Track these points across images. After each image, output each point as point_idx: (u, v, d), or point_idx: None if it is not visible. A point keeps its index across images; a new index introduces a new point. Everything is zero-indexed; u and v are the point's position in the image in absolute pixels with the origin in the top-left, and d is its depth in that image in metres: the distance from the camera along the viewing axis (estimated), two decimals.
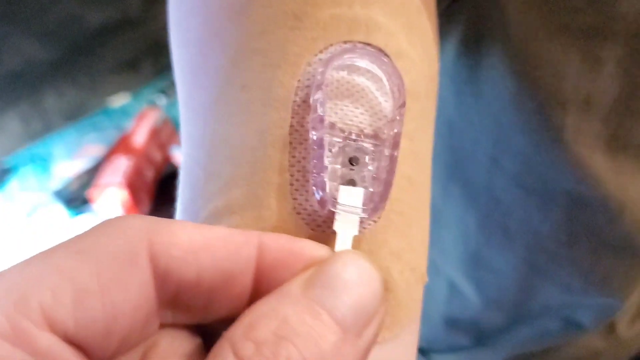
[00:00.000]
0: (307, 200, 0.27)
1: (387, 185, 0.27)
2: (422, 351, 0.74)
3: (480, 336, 0.67)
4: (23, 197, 1.55)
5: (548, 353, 0.68)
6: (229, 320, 0.23)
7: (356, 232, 0.26)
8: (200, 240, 0.23)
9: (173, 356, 0.24)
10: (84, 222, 1.53)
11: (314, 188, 0.27)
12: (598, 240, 0.52)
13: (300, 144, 0.28)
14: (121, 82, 1.71)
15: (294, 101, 0.28)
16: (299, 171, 0.27)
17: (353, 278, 0.22)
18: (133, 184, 1.51)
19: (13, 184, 1.57)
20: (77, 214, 1.54)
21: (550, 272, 0.56)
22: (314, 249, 0.24)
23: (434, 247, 0.58)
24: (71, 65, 1.59)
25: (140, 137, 1.60)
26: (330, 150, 0.27)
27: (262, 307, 0.21)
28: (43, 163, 1.60)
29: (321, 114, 0.27)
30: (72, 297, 0.20)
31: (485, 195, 0.52)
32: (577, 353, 0.69)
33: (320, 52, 0.29)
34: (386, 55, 0.29)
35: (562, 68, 0.42)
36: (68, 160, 1.61)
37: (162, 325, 0.24)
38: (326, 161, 0.27)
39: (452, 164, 0.53)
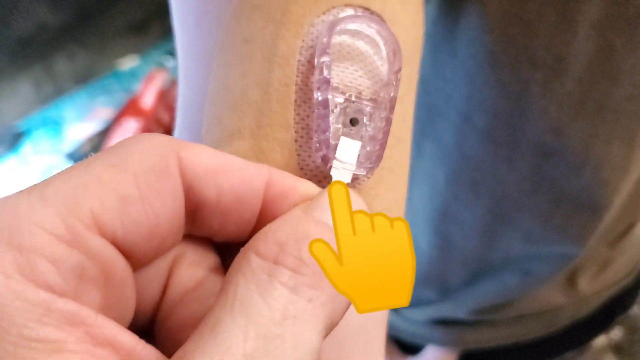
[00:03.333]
0: (310, 156, 0.29)
1: (383, 145, 0.29)
2: None
3: (446, 289, 0.69)
4: (37, 159, 1.57)
5: (510, 305, 0.71)
6: (237, 242, 0.25)
7: (349, 180, 0.28)
8: (220, 164, 0.24)
9: (200, 264, 0.26)
10: None
11: (317, 145, 0.28)
12: (559, 191, 0.55)
13: (305, 102, 0.29)
14: (130, 45, 1.72)
15: (299, 60, 0.29)
16: (302, 129, 0.29)
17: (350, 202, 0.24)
18: None
19: (27, 147, 1.58)
20: None
21: (513, 220, 0.59)
22: (312, 188, 0.26)
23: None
24: (81, 29, 1.59)
25: (148, 99, 1.62)
26: (332, 111, 0.29)
27: (273, 225, 0.23)
28: (55, 126, 1.61)
29: (327, 76, 0.28)
30: (118, 204, 0.21)
31: (455, 152, 0.54)
32: (538, 306, 0.71)
33: (323, 13, 0.30)
34: (383, 20, 0.31)
35: (536, 26, 0.44)
36: (79, 123, 1.63)
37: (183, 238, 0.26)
38: (330, 121, 0.28)
39: (426, 121, 0.54)
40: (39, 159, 1.57)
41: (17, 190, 0.21)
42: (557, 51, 0.45)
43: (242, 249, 0.23)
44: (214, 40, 0.33)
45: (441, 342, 0.78)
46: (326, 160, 0.28)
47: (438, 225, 0.62)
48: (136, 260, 0.23)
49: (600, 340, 0.84)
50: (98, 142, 1.59)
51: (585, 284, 0.70)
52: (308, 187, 0.26)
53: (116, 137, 1.56)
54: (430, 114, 0.54)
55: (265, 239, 0.22)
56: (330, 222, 0.23)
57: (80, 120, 1.63)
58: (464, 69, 0.49)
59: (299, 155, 0.29)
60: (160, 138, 0.24)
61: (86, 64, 1.65)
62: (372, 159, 0.29)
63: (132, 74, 1.71)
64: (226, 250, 0.27)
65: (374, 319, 0.31)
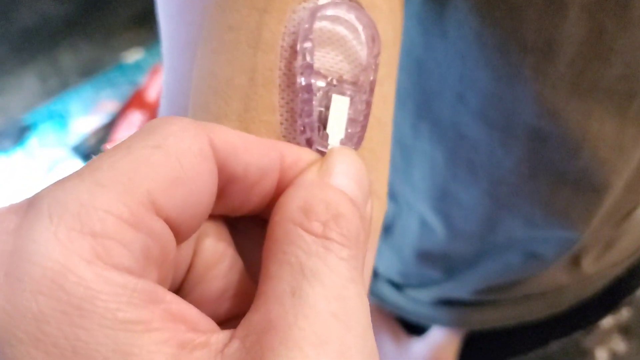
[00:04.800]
0: (294, 139, 0.30)
1: (363, 127, 0.30)
2: (397, 286, 0.78)
3: (450, 269, 0.70)
4: (43, 153, 1.58)
5: (514, 286, 0.71)
6: (253, 215, 0.27)
7: (342, 136, 0.30)
8: (243, 142, 0.26)
9: (220, 240, 0.28)
10: None
11: (302, 129, 0.29)
12: (557, 174, 0.55)
13: (288, 87, 0.30)
14: (134, 38, 1.72)
15: (282, 46, 0.30)
16: (287, 112, 0.30)
17: (352, 166, 0.27)
18: None
19: (33, 140, 1.59)
20: None
21: (513, 205, 0.59)
22: (315, 154, 0.28)
23: (406, 185, 0.61)
24: (85, 22, 1.60)
25: (153, 91, 1.62)
26: (315, 95, 0.30)
27: (298, 194, 0.25)
28: (61, 120, 1.62)
29: (310, 61, 0.29)
30: (168, 185, 0.22)
31: (452, 131, 0.55)
32: (542, 286, 0.72)
33: (304, 0, 0.31)
34: (361, 6, 0.31)
35: (523, 10, 0.44)
36: (85, 116, 1.63)
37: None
38: (314, 104, 0.29)
39: (422, 103, 0.55)
40: (45, 152, 1.58)
41: (62, 176, 0.22)
42: (548, 35, 0.45)
43: (279, 220, 0.24)
44: (198, 29, 0.33)
45: (445, 323, 0.79)
46: (310, 143, 0.29)
47: (439, 205, 0.63)
48: (179, 238, 0.24)
49: (607, 321, 0.83)
50: (103, 135, 1.60)
51: (588, 264, 0.70)
52: (310, 153, 0.28)
53: (122, 130, 1.57)
54: (426, 96, 0.55)
55: (305, 215, 0.24)
56: (344, 187, 0.26)
57: (86, 114, 1.64)
58: (455, 49, 0.49)
59: (284, 137, 0.30)
60: (188, 121, 0.25)
61: (91, 57, 1.66)
62: (354, 140, 0.30)
63: (137, 67, 1.72)
64: (238, 224, 0.29)
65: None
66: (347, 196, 0.25)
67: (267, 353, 0.20)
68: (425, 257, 0.70)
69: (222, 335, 0.22)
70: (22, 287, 0.19)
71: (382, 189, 0.34)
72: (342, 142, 0.30)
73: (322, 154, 0.28)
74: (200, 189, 0.24)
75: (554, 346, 0.81)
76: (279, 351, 0.20)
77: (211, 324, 0.23)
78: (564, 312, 0.76)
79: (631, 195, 0.62)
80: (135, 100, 1.62)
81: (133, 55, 1.74)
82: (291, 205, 0.25)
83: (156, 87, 1.63)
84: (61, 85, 1.63)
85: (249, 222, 0.28)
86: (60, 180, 0.22)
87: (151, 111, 1.58)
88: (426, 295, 0.76)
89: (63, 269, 0.19)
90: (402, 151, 0.58)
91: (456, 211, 0.62)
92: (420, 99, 0.55)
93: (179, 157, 0.23)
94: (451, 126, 0.54)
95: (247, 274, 0.28)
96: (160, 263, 0.23)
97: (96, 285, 0.19)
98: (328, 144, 0.29)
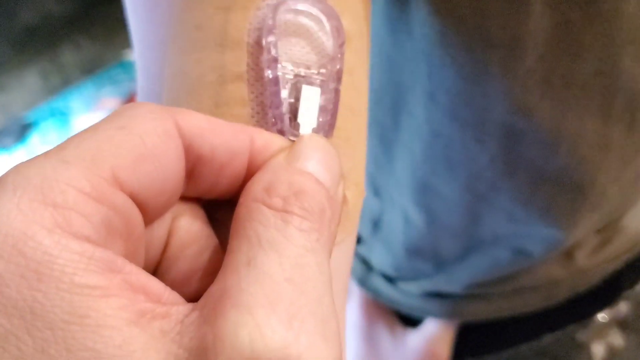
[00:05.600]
0: (266, 130, 0.30)
1: (333, 115, 0.31)
2: (390, 279, 0.78)
3: (439, 263, 0.70)
4: (44, 150, 1.57)
5: (505, 280, 0.71)
6: (226, 199, 0.28)
7: (314, 125, 0.30)
8: (210, 125, 0.26)
9: (195, 221, 0.28)
10: None
11: (272, 120, 0.30)
12: (535, 171, 0.54)
13: (257, 81, 0.31)
14: None
15: (248, 42, 0.31)
16: (258, 105, 0.30)
17: (321, 151, 0.27)
18: None
19: (34, 138, 1.60)
20: None
21: (493, 200, 0.58)
22: (285, 140, 0.28)
23: (390, 179, 0.61)
24: (87, 20, 1.61)
25: None
26: (284, 87, 0.30)
27: (264, 176, 0.26)
28: (63, 117, 1.63)
29: (275, 55, 0.30)
30: (132, 162, 0.23)
31: (427, 127, 0.54)
32: (536, 280, 0.71)
33: None
34: (325, 0, 0.32)
35: (486, 6, 0.44)
36: (86, 114, 1.65)
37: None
38: (282, 97, 0.30)
39: (397, 98, 0.55)
40: (47, 149, 1.57)
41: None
42: (513, 31, 0.45)
43: (244, 200, 0.25)
44: (166, 30, 0.34)
45: (438, 315, 0.79)
46: (282, 134, 0.30)
47: (421, 199, 0.62)
48: (147, 215, 0.25)
49: (603, 315, 0.83)
50: None
51: (583, 258, 0.69)
52: (282, 139, 0.28)
53: None
54: (400, 91, 0.54)
55: (266, 193, 0.25)
56: (311, 170, 0.26)
57: (88, 111, 1.65)
58: (421, 48, 0.49)
59: None
60: (154, 105, 0.25)
61: (92, 54, 1.67)
62: (325, 128, 0.31)
63: None
64: (213, 208, 0.29)
65: (335, 275, 0.32)
66: (313, 177, 0.26)
67: (219, 318, 0.21)
68: (413, 251, 0.70)
69: (184, 307, 0.22)
70: None
71: (359, 177, 0.34)
72: (314, 131, 0.30)
73: (293, 142, 0.29)
74: (165, 167, 0.24)
75: (549, 339, 0.81)
76: (230, 315, 0.21)
77: (176, 298, 0.23)
78: (559, 305, 0.76)
79: (628, 195, 0.62)
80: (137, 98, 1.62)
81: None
82: (256, 186, 0.25)
83: None
84: (63, 83, 1.64)
85: (225, 206, 0.29)
86: (27, 160, 0.22)
87: None
88: (418, 288, 0.76)
89: (23, 236, 0.20)
90: (384, 145, 0.58)
91: (438, 205, 0.62)
92: (396, 94, 0.55)
93: (142, 136, 0.24)
94: (425, 122, 0.54)
95: (221, 254, 0.28)
96: (126, 237, 0.23)
97: (54, 251, 0.20)
98: (299, 133, 0.30)
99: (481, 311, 0.76)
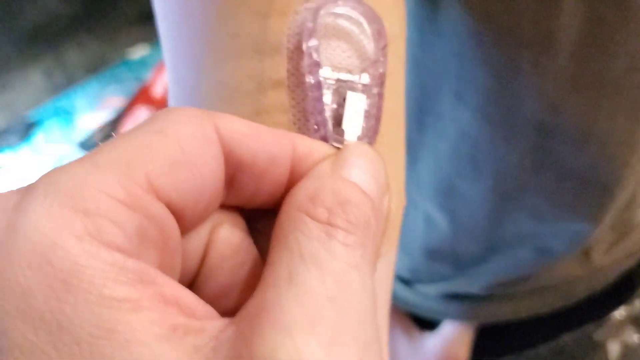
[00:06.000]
0: (309, 137, 0.30)
1: (377, 120, 0.30)
2: (406, 282, 0.78)
3: (459, 265, 0.70)
4: (49, 149, 1.58)
5: (525, 280, 0.71)
6: (267, 207, 0.27)
7: (359, 133, 0.30)
8: (252, 130, 0.26)
9: (235, 232, 0.27)
10: None
11: (315, 127, 0.29)
12: (563, 168, 0.55)
13: (297, 87, 0.30)
14: (140, 34, 1.72)
15: (288, 48, 0.30)
16: (299, 112, 0.30)
17: (368, 160, 0.27)
18: None
19: (39, 136, 1.60)
20: None
21: (519, 199, 0.59)
22: (328, 147, 0.28)
23: (411, 182, 0.61)
24: (91, 19, 1.60)
25: (159, 87, 1.62)
26: (325, 92, 0.30)
27: (309, 184, 0.25)
28: (67, 116, 1.62)
29: (316, 59, 0.29)
30: (168, 168, 0.22)
31: (453, 127, 0.54)
32: (554, 279, 0.71)
33: (306, 1, 0.31)
34: (364, 2, 0.31)
35: (519, 4, 0.44)
36: (91, 112, 1.64)
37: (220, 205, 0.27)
38: (324, 101, 0.30)
39: (422, 99, 0.55)
40: (51, 148, 1.59)
41: (67, 162, 0.22)
42: (545, 28, 0.45)
43: (287, 208, 0.24)
44: (201, 40, 0.33)
45: (456, 317, 0.79)
46: (325, 140, 0.29)
47: (444, 201, 0.62)
48: (184, 224, 0.24)
49: (620, 313, 0.83)
50: (109, 131, 1.60)
51: (598, 255, 0.70)
52: (325, 146, 0.28)
53: (128, 126, 1.57)
54: (425, 93, 0.54)
55: (311, 202, 0.24)
56: (356, 179, 0.26)
57: (92, 110, 1.64)
58: (450, 48, 0.49)
59: None
60: (193, 109, 0.25)
61: (97, 53, 1.66)
62: (370, 134, 0.30)
63: (143, 63, 1.72)
64: (254, 217, 0.29)
65: (379, 289, 0.32)
66: (359, 187, 0.25)
67: (256, 337, 0.20)
68: (433, 253, 0.69)
69: (219, 322, 0.22)
70: (12, 260, 0.19)
71: (401, 184, 0.34)
72: (359, 138, 0.30)
73: (338, 150, 0.28)
74: (204, 174, 0.24)
75: (567, 339, 0.81)
76: (268, 335, 0.20)
77: (210, 312, 0.23)
78: (576, 304, 0.76)
79: None
80: (141, 96, 1.62)
81: (138, 52, 1.74)
82: (300, 194, 0.25)
83: (162, 83, 1.63)
84: (67, 82, 1.64)
85: (266, 216, 0.28)
86: (61, 165, 0.22)
87: (157, 107, 1.58)
88: (436, 290, 0.76)
89: (52, 244, 0.19)
90: (407, 147, 0.58)
91: (461, 207, 0.62)
92: (421, 96, 0.55)
93: (180, 142, 0.23)
94: (452, 122, 0.54)
95: (262, 267, 0.27)
96: (161, 247, 0.23)
97: (83, 261, 0.19)
98: (344, 140, 0.29)
99: (500, 312, 0.76)
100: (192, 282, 0.27)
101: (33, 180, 0.22)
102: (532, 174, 0.56)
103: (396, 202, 0.32)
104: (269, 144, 0.26)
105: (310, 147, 0.27)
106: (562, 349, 0.81)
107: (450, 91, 0.52)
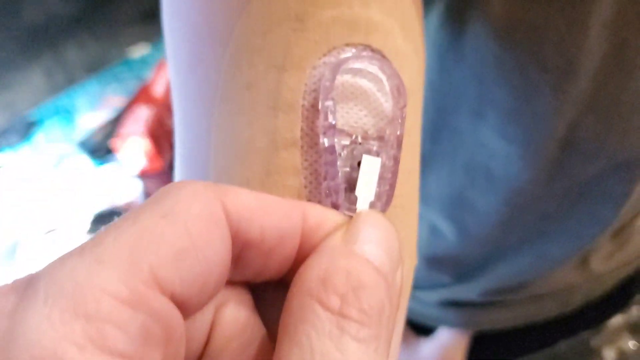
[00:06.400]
0: (319, 202, 0.29)
1: (392, 185, 0.29)
2: None
3: (460, 273, 0.70)
4: (49, 148, 1.58)
5: (523, 287, 0.71)
6: (275, 281, 0.26)
7: (372, 199, 0.29)
8: (260, 204, 0.25)
9: (242, 309, 0.26)
10: (109, 171, 1.56)
11: (327, 192, 0.28)
12: (573, 179, 0.55)
13: (311, 147, 0.29)
14: (140, 33, 1.72)
15: (303, 105, 0.29)
16: (311, 174, 0.29)
17: (381, 232, 0.25)
18: (155, 133, 1.53)
19: (39, 136, 1.59)
20: (101, 163, 1.57)
21: (527, 210, 0.59)
22: (341, 216, 0.27)
23: None
24: (91, 18, 1.60)
25: (160, 86, 1.61)
26: (339, 155, 0.28)
27: (320, 262, 0.24)
28: (67, 115, 1.62)
29: (332, 121, 0.28)
30: (174, 258, 0.21)
31: (471, 138, 0.54)
32: (552, 286, 0.71)
33: (324, 55, 0.30)
34: (385, 57, 0.30)
35: (543, 32, 0.43)
36: (91, 112, 1.63)
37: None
38: (338, 166, 0.28)
39: (438, 119, 0.54)
40: (52, 147, 1.58)
41: (67, 251, 0.21)
42: (569, 55, 0.44)
43: (297, 291, 0.23)
44: (211, 86, 0.32)
45: (453, 324, 0.79)
46: (337, 207, 0.28)
47: (453, 212, 0.62)
48: (188, 311, 0.23)
49: (617, 320, 0.83)
50: (110, 130, 1.59)
51: (597, 263, 0.70)
52: (336, 215, 0.27)
53: (128, 125, 1.57)
54: (441, 113, 0.54)
55: (323, 287, 0.23)
56: (370, 255, 0.24)
57: (92, 109, 1.63)
58: (472, 72, 0.48)
59: (309, 200, 0.29)
60: (200, 185, 0.24)
61: (97, 52, 1.66)
62: (383, 200, 0.29)
63: (143, 62, 1.71)
64: (261, 290, 0.28)
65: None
66: (373, 265, 0.24)
67: None
68: (434, 262, 0.69)
69: None
70: None
71: (413, 245, 0.33)
72: (372, 204, 0.28)
73: (350, 218, 0.27)
74: (211, 259, 0.23)
75: (563, 346, 0.81)
76: None
77: None
78: (573, 312, 0.76)
79: None
80: (142, 95, 1.62)
81: (139, 51, 1.73)
82: (310, 275, 0.24)
83: (162, 82, 1.62)
84: (67, 81, 1.63)
85: (273, 287, 0.27)
86: (62, 256, 0.21)
87: (158, 106, 1.58)
88: (434, 297, 0.76)
89: (52, 355, 0.19)
90: None
91: (470, 217, 0.62)
92: (436, 117, 0.55)
93: (187, 226, 0.22)
94: (470, 134, 0.54)
95: (269, 345, 0.26)
96: (165, 342, 0.22)
97: None
98: (356, 208, 0.28)
99: (498, 319, 0.76)
100: None
101: (32, 273, 0.21)
102: (544, 185, 0.56)
103: (408, 265, 0.31)
104: (278, 218, 0.25)
105: (321, 217, 0.26)
106: (558, 356, 0.82)
107: (468, 110, 0.52)
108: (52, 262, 0.21)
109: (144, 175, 1.53)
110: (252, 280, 0.27)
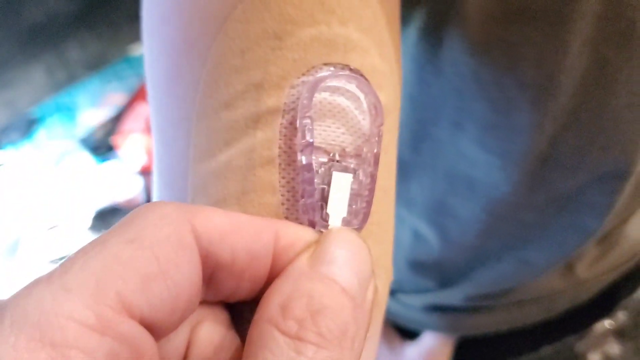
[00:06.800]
0: (297, 219, 0.29)
1: (369, 203, 0.29)
2: (390, 292, 0.79)
3: (443, 278, 0.70)
4: (51, 145, 1.59)
5: (507, 293, 0.71)
6: (250, 299, 0.26)
7: (344, 215, 0.29)
8: (231, 224, 0.24)
9: (217, 328, 0.26)
10: (110, 167, 1.57)
11: (304, 209, 0.28)
12: (555, 190, 0.55)
13: (289, 165, 0.29)
14: (140, 31, 1.72)
15: (281, 123, 0.29)
16: (288, 191, 0.29)
17: (349, 250, 0.25)
18: None
19: (41, 133, 1.61)
20: (102, 160, 1.58)
21: (509, 218, 0.59)
22: (315, 233, 0.27)
23: (400, 200, 0.61)
24: (92, 16, 1.60)
25: None
26: (317, 172, 0.29)
27: (283, 287, 0.24)
28: (69, 112, 1.63)
29: (310, 140, 0.28)
30: (141, 283, 0.21)
31: (452, 148, 0.54)
32: (536, 292, 0.72)
33: (303, 74, 0.30)
34: (363, 76, 0.30)
35: (522, 50, 0.44)
36: (92, 109, 1.64)
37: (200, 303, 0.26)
38: (315, 183, 0.28)
39: (419, 130, 0.55)
40: (53, 145, 1.59)
41: (33, 280, 0.21)
42: (548, 71, 0.45)
43: (258, 318, 0.23)
44: (189, 104, 0.32)
45: (437, 328, 0.79)
46: (313, 225, 0.28)
47: (436, 218, 0.63)
48: (159, 333, 0.23)
49: (602, 325, 0.83)
50: (111, 127, 1.60)
51: (583, 269, 0.70)
52: (309, 233, 0.27)
53: (129, 122, 1.58)
54: (422, 125, 0.54)
55: (281, 313, 0.23)
56: (336, 276, 0.24)
57: (93, 106, 1.65)
58: (451, 86, 0.49)
59: (286, 218, 0.29)
60: (169, 207, 0.24)
61: (98, 50, 1.66)
62: (360, 218, 0.29)
63: (144, 60, 1.71)
64: (237, 308, 0.28)
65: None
66: (339, 286, 0.24)
67: None
68: (418, 266, 0.70)
69: None
70: None
71: (388, 260, 0.33)
72: (345, 221, 0.29)
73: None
74: (179, 282, 0.23)
75: (547, 350, 0.81)
76: None
77: None
78: (558, 317, 0.76)
79: (628, 208, 0.63)
80: (142, 93, 1.62)
81: (139, 48, 1.73)
82: (272, 300, 0.23)
83: None
84: (69, 79, 1.64)
85: (249, 305, 0.27)
86: (29, 284, 0.21)
87: None
88: (418, 301, 0.76)
89: None
90: (400, 166, 0.58)
91: (451, 223, 0.62)
92: (417, 128, 0.55)
93: (154, 250, 0.22)
94: (450, 144, 0.54)
95: None
96: None
97: None
98: (328, 225, 0.28)
99: (482, 324, 0.76)
100: None
101: (1, 300, 0.21)
102: (525, 196, 0.56)
103: (383, 280, 0.32)
104: (250, 239, 0.25)
105: (294, 236, 0.26)
106: None
107: (448, 121, 0.52)
108: (20, 291, 0.21)
109: (145, 172, 1.54)
110: (226, 300, 0.27)
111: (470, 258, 0.67)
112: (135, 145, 1.56)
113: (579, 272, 0.70)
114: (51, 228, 1.47)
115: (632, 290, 0.81)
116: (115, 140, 1.57)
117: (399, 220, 0.64)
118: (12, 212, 1.49)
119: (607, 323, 0.84)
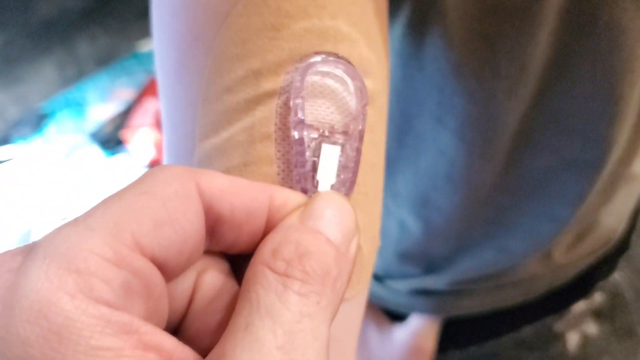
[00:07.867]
0: (291, 187, 0.32)
1: (355, 173, 0.33)
2: (378, 278, 0.80)
3: (429, 265, 0.73)
4: (61, 140, 1.62)
5: (490, 278, 0.74)
6: (248, 252, 0.29)
7: (333, 182, 0.32)
8: (231, 185, 0.28)
9: (219, 276, 0.29)
10: (119, 161, 1.60)
11: (297, 178, 0.32)
12: (532, 175, 0.58)
13: (284, 140, 0.33)
14: (149, 27, 1.72)
15: (277, 104, 0.33)
16: (283, 163, 0.32)
17: (335, 209, 0.28)
18: None
19: (51, 128, 1.63)
20: (112, 154, 1.61)
21: (489, 207, 0.62)
22: (305, 197, 0.30)
23: (387, 192, 0.63)
24: (102, 12, 1.63)
25: None
26: (308, 146, 0.32)
27: (275, 237, 0.27)
28: (78, 107, 1.65)
29: (301, 117, 0.32)
30: (153, 227, 0.25)
31: (433, 146, 0.57)
32: (516, 276, 0.75)
33: (297, 61, 0.33)
34: (350, 62, 0.34)
35: (496, 41, 0.47)
36: (102, 104, 1.66)
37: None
38: (306, 156, 0.32)
39: (403, 123, 0.58)
40: (63, 139, 1.62)
41: (64, 222, 0.25)
42: (520, 62, 0.48)
43: (253, 262, 0.27)
44: (196, 89, 0.36)
45: (423, 310, 0.81)
46: (305, 191, 0.32)
47: (420, 210, 0.65)
48: (169, 274, 0.27)
49: (580, 306, 0.85)
50: (120, 122, 1.63)
51: (559, 255, 0.72)
52: (300, 197, 0.30)
53: (138, 117, 1.60)
54: (406, 117, 0.57)
55: (272, 255, 0.26)
56: (321, 229, 0.27)
57: (103, 101, 1.67)
58: (433, 81, 0.51)
59: (282, 186, 0.32)
60: (178, 168, 0.27)
61: (107, 46, 1.69)
62: (347, 185, 0.32)
63: (152, 55, 1.71)
64: (238, 260, 0.31)
65: (347, 330, 0.34)
66: (324, 236, 0.27)
67: None
68: (404, 256, 0.73)
69: None
70: (13, 315, 0.22)
71: (375, 230, 0.36)
72: (334, 188, 0.32)
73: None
74: (185, 229, 0.26)
75: (528, 330, 0.83)
76: None
77: (188, 355, 0.25)
78: (538, 298, 0.79)
79: (604, 195, 0.65)
80: (151, 88, 1.64)
81: (148, 44, 1.76)
82: (265, 247, 0.27)
83: None
84: (78, 74, 1.66)
85: (247, 258, 0.30)
86: (60, 226, 0.25)
87: None
88: (406, 286, 0.79)
89: (47, 302, 0.22)
90: (386, 160, 0.60)
91: (435, 215, 0.65)
92: (401, 121, 0.58)
93: (164, 201, 0.25)
94: (432, 142, 0.57)
95: None
96: (146, 297, 0.25)
97: (74, 316, 0.22)
98: (317, 191, 0.32)
99: (466, 306, 0.79)
100: (181, 323, 0.29)
101: (37, 240, 0.25)
102: (500, 175, 0.59)
103: (370, 247, 0.34)
104: (247, 198, 0.28)
105: (286, 199, 0.29)
106: (523, 340, 0.84)
107: (430, 116, 0.55)
108: (51, 231, 0.25)
109: (153, 165, 1.56)
110: (227, 251, 0.30)
111: (453, 247, 0.70)
112: (143, 140, 1.58)
113: (556, 257, 0.72)
114: (62, 220, 1.48)
115: (608, 273, 0.83)
116: (124, 134, 1.59)
117: (386, 211, 0.67)
118: (23, 205, 1.52)
119: (584, 304, 0.85)
